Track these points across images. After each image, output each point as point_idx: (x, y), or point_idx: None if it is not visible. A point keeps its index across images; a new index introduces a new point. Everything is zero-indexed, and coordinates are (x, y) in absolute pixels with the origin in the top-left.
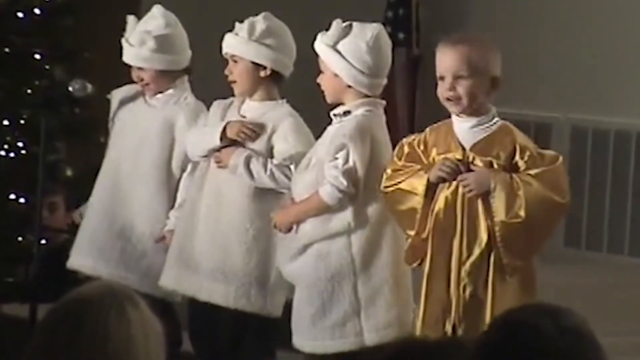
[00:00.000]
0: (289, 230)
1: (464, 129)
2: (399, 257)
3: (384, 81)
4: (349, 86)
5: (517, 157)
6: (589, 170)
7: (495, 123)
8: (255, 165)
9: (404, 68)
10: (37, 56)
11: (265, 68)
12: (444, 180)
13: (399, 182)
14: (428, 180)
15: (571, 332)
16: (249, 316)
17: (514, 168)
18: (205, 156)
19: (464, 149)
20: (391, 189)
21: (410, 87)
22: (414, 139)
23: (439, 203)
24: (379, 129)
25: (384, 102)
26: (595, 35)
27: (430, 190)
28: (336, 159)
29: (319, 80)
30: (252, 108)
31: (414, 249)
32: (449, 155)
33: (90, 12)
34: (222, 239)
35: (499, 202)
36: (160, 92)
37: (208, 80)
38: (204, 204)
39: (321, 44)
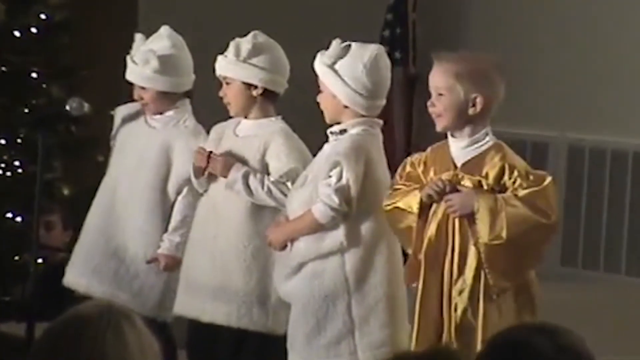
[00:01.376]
0: (284, 248)
1: (458, 148)
2: (393, 275)
3: (383, 102)
4: (347, 106)
5: (506, 177)
6: (585, 189)
7: (487, 142)
8: (253, 182)
9: (401, 87)
10: (34, 74)
11: (256, 87)
12: (432, 199)
13: (397, 201)
14: (421, 199)
15: (568, 351)
16: (250, 334)
17: (502, 188)
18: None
19: (456, 167)
20: (389, 207)
21: (407, 106)
22: (415, 158)
23: (432, 224)
24: (375, 148)
25: (381, 121)
26: (592, 54)
27: (425, 209)
28: (330, 177)
29: (318, 99)
30: (246, 127)
31: (411, 269)
32: (443, 175)
33: (87, 30)
34: (221, 258)
35: (481, 224)
36: (160, 113)
37: (211, 102)
38: (201, 223)
39: (320, 64)
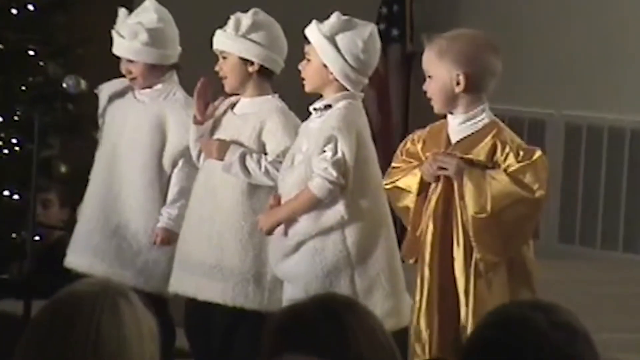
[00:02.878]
0: (271, 232)
1: (454, 124)
2: (393, 246)
3: (367, 80)
4: (335, 80)
5: (498, 154)
6: (583, 167)
7: (482, 119)
8: (250, 163)
9: (398, 64)
10: (31, 52)
11: (253, 63)
12: (435, 178)
13: (397, 180)
14: (422, 177)
15: (564, 327)
16: (245, 312)
17: (495, 165)
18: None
19: (450, 145)
20: (389, 186)
21: (404, 83)
22: (417, 135)
23: (432, 201)
24: (362, 121)
25: (362, 94)
26: (589, 32)
27: (424, 187)
28: (324, 152)
29: (301, 66)
30: (243, 104)
31: (410, 244)
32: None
33: (83, 8)
34: (217, 237)
35: (468, 197)
36: (148, 87)
37: (198, 76)
38: (197, 202)
39: (317, 33)
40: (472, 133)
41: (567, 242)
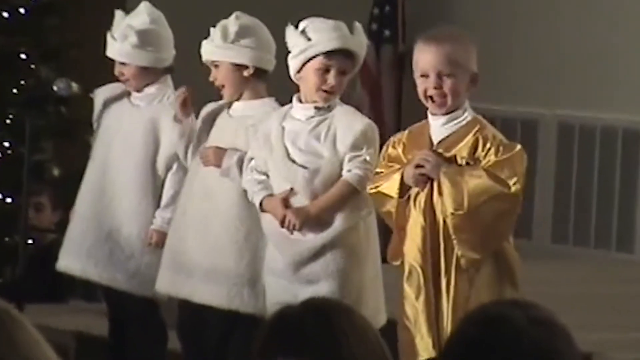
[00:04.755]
0: (302, 228)
1: (437, 125)
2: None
3: None
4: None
5: (479, 150)
6: (575, 166)
7: (465, 118)
8: (246, 183)
9: (390, 65)
10: (23, 55)
11: (247, 67)
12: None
13: (379, 185)
14: (402, 180)
15: (543, 323)
16: (240, 315)
17: (476, 161)
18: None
19: (432, 145)
20: (373, 191)
21: (397, 83)
22: (397, 138)
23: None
24: None
25: None
26: (582, 32)
27: (405, 188)
28: (359, 147)
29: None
30: (239, 107)
31: (394, 246)
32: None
33: (75, 11)
34: (214, 240)
35: (446, 194)
36: (139, 91)
37: (193, 82)
38: (194, 205)
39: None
40: (455, 131)
41: (560, 242)
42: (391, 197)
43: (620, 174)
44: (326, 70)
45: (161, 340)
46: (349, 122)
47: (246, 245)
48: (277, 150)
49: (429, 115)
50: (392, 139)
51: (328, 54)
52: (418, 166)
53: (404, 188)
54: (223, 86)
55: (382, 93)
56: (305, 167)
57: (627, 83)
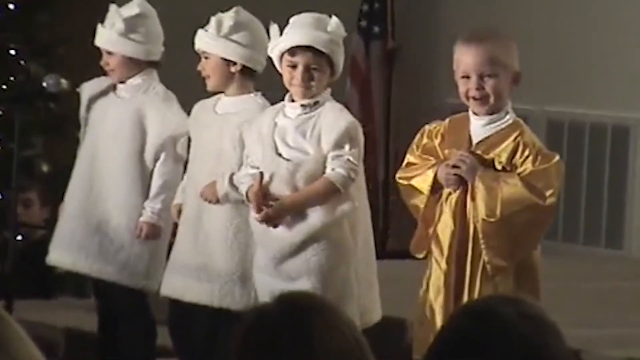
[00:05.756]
0: (277, 224)
1: (478, 125)
2: (371, 238)
3: None
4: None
5: (517, 156)
6: (564, 163)
7: (507, 120)
8: (239, 178)
9: (380, 61)
10: (12, 51)
11: (235, 64)
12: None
13: (412, 177)
14: (435, 178)
15: (532, 319)
16: (230, 313)
17: (514, 167)
18: None
19: (471, 144)
20: (404, 182)
21: (386, 80)
22: (434, 128)
23: (446, 204)
24: None
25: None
26: (571, 29)
27: (437, 189)
28: (340, 146)
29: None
30: (226, 104)
31: (420, 240)
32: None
33: (65, 7)
34: (204, 239)
35: (479, 199)
36: (123, 82)
37: (183, 77)
38: (187, 204)
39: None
40: (495, 133)
41: (550, 238)
42: (421, 192)
43: (610, 171)
44: (294, 66)
45: (150, 336)
46: (333, 120)
47: (236, 243)
48: (266, 144)
49: (470, 113)
50: (427, 127)
51: (291, 50)
52: (454, 166)
53: (436, 185)
54: (209, 76)
55: (371, 89)
56: (289, 161)
57: (616, 80)
